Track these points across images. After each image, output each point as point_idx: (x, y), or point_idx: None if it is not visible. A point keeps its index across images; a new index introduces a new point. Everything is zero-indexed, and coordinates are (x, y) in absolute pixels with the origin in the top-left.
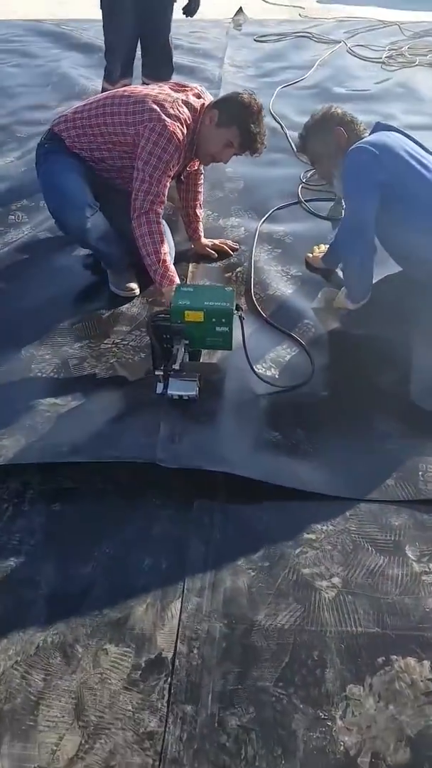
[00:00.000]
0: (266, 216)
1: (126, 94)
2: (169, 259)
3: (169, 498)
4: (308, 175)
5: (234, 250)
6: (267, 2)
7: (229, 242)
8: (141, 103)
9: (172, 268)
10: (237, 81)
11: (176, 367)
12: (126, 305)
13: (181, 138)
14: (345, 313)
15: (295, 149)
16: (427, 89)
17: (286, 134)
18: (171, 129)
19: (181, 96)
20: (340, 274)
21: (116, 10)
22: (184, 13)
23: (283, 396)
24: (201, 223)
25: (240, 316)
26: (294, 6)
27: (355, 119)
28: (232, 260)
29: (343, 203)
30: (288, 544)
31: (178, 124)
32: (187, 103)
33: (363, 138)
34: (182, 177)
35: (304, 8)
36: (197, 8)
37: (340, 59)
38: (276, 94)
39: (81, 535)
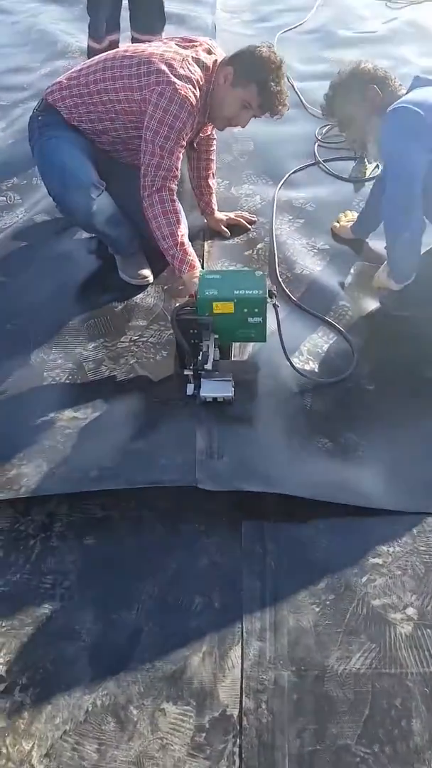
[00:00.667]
0: (283, 180)
1: (128, 54)
2: (188, 242)
3: (213, 522)
4: (324, 132)
5: (251, 222)
6: None
7: (245, 214)
8: (147, 64)
9: (191, 251)
10: (233, 28)
11: (208, 366)
12: (140, 295)
13: (194, 102)
14: (386, 293)
15: (306, 106)
16: None
17: (293, 86)
18: (182, 92)
19: (191, 53)
20: (372, 245)
21: None
22: None
23: (326, 392)
24: (215, 195)
25: (274, 304)
26: None
27: (389, 75)
28: (251, 235)
29: (367, 162)
30: (352, 572)
31: (190, 86)
32: (198, 61)
33: (400, 96)
34: (194, 144)
35: None
36: None
37: (340, 1)
38: (276, 40)
39: (120, 573)
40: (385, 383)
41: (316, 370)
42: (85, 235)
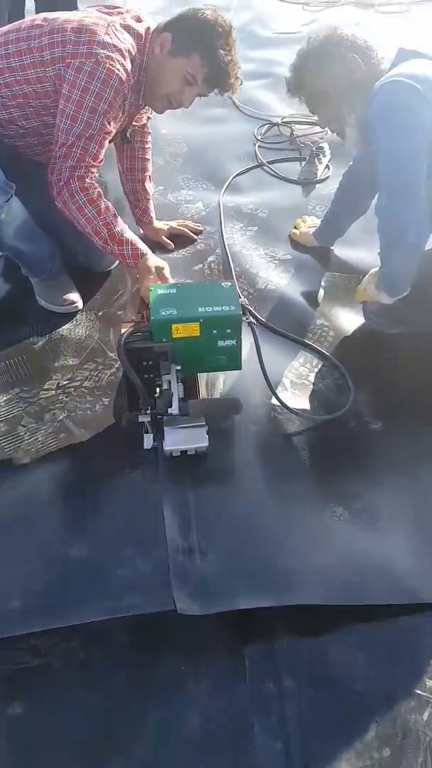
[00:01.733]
0: (227, 184)
1: (36, 23)
2: (123, 228)
3: (201, 656)
4: (263, 132)
5: (197, 232)
6: None
7: (190, 223)
8: (60, 32)
9: (131, 237)
10: None
11: (173, 409)
12: (67, 326)
13: (123, 77)
14: (375, 308)
15: (239, 107)
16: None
17: None
18: (108, 65)
19: (117, 19)
20: (338, 253)
21: None
22: None
23: (325, 435)
24: (152, 201)
25: (249, 323)
26: None
27: (371, 45)
28: (198, 247)
29: (317, 162)
30: (408, 707)
31: (118, 57)
32: (128, 28)
33: (384, 70)
34: (128, 135)
35: None
36: None
37: (256, 3)
38: None
39: (64, 757)
40: (391, 419)
41: (307, 406)
42: None
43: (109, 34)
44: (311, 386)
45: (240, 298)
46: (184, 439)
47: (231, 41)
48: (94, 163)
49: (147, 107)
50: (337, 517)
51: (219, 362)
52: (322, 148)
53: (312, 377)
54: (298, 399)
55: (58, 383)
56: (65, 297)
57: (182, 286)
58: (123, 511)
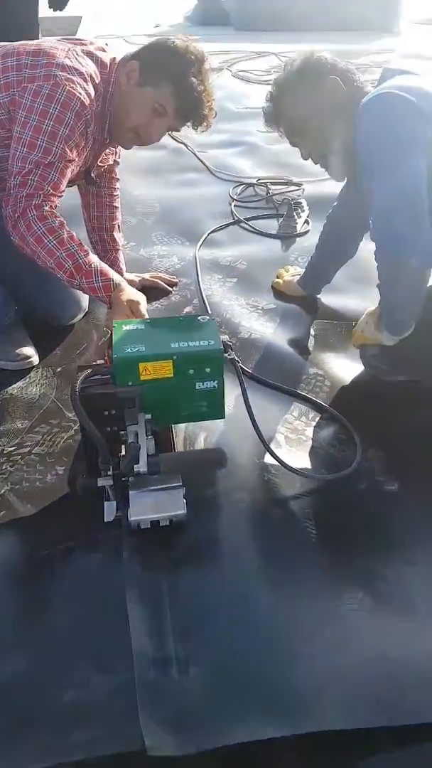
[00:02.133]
0: (203, 238)
1: None
2: (92, 258)
3: None
4: (239, 192)
5: (172, 284)
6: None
7: (164, 275)
8: (14, 56)
9: (101, 266)
10: None
11: (140, 466)
12: (18, 384)
13: (86, 101)
14: (376, 351)
15: (212, 171)
16: None
17: (194, 152)
18: (68, 88)
19: (79, 47)
20: (326, 301)
21: None
22: (50, 7)
23: (331, 501)
24: (122, 252)
25: (232, 360)
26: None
27: (351, 68)
28: (173, 298)
29: (296, 216)
30: None
31: (79, 80)
32: (90, 54)
33: (368, 92)
34: (93, 176)
35: None
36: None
37: (227, 84)
38: None
39: None
40: (408, 477)
41: (308, 465)
42: None
43: (69, 58)
44: (310, 442)
45: (220, 332)
46: (154, 506)
47: (204, 70)
48: (55, 192)
49: (112, 146)
50: (356, 606)
51: (198, 409)
52: (300, 203)
53: (309, 432)
54: (295, 457)
55: (2, 450)
56: (18, 351)
57: (152, 320)
58: (75, 609)
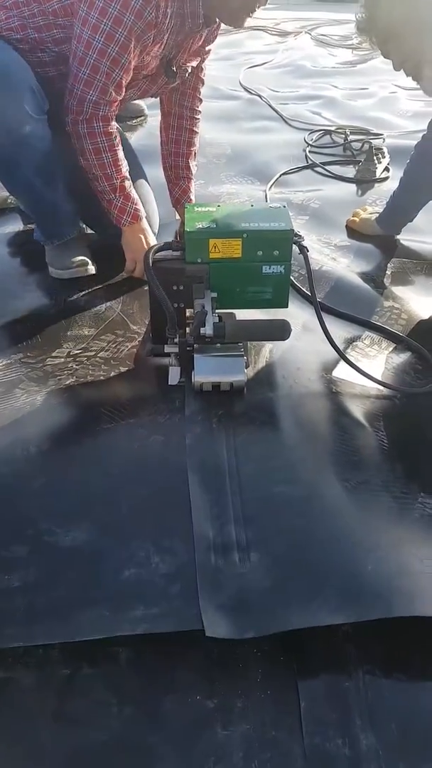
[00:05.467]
0: (274, 179)
1: None
2: (130, 186)
3: (235, 690)
4: (314, 138)
5: None
6: None
7: None
8: None
9: (134, 196)
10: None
11: (207, 331)
12: (82, 295)
13: None
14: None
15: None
16: None
17: (268, 103)
18: None
19: None
20: (404, 242)
21: None
22: None
23: (406, 413)
24: (193, 182)
25: (302, 247)
26: None
27: None
28: None
29: (376, 160)
30: None
31: None
32: None
33: None
34: (173, 69)
35: None
36: None
37: (305, 45)
38: (243, 74)
39: None
40: None
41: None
42: None
43: None
44: (383, 368)
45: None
46: (217, 369)
47: None
48: (116, 97)
49: (201, 34)
50: (426, 510)
51: (262, 296)
52: (381, 149)
53: (382, 359)
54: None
55: (69, 352)
56: (74, 259)
57: (225, 204)
58: (138, 489)
